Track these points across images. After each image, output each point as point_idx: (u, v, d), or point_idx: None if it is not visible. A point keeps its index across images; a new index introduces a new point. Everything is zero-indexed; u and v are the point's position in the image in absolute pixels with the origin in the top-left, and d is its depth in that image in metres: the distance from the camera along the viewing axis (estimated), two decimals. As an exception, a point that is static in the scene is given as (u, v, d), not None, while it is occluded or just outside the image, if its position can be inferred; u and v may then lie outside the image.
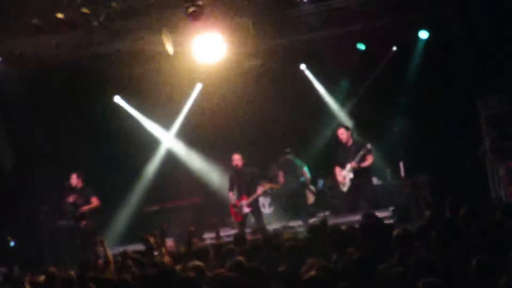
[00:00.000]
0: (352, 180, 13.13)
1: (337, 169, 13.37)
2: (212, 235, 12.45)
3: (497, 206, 12.55)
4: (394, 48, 15.79)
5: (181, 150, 17.07)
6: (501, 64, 13.63)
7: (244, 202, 13.43)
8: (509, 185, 13.25)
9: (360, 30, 14.66)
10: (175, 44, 12.86)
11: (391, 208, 13.32)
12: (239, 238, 9.46)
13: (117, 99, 16.77)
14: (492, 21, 13.44)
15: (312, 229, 8.96)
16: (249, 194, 13.46)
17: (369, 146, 13.04)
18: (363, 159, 13.03)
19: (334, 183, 14.14)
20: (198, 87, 16.86)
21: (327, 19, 14.32)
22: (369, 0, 13.79)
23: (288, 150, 15.11)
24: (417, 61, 15.38)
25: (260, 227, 12.69)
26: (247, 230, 13.26)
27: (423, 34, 15.03)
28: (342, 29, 14.77)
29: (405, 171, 14.00)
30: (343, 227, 8.44)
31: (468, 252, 6.17)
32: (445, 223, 7.57)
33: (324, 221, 9.65)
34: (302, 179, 15.23)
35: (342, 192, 13.40)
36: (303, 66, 16.55)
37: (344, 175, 13.21)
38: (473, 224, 6.84)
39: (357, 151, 13.10)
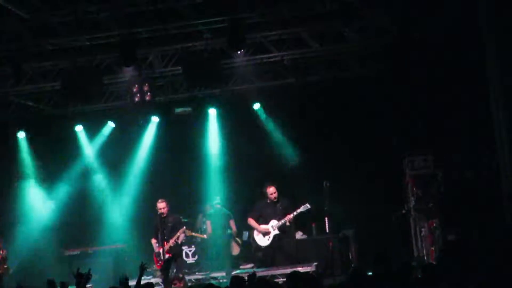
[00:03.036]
0: (276, 236, 13.16)
1: (252, 221, 13.45)
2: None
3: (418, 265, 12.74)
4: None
5: (105, 195, 16.77)
6: (429, 124, 13.92)
7: (165, 248, 13.22)
8: (431, 244, 13.41)
9: (292, 84, 14.87)
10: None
11: (315, 263, 13.32)
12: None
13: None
14: (423, 81, 13.75)
15: (236, 281, 8.85)
16: (169, 241, 13.27)
17: (308, 205, 13.16)
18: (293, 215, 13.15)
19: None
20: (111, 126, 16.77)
21: (260, 72, 14.54)
22: (302, 55, 14.04)
23: (217, 200, 15.11)
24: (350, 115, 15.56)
25: (178, 276, 12.47)
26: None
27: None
28: (275, 83, 14.97)
29: (331, 227, 14.05)
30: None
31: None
32: (367, 280, 7.56)
33: (252, 276, 9.52)
34: (229, 230, 15.22)
35: (258, 245, 13.47)
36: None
37: (268, 229, 13.27)
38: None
39: (285, 210, 13.20)
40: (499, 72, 11.78)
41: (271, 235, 13.29)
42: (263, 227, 13.36)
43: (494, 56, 11.79)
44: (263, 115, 15.97)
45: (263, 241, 13.39)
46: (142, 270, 9.33)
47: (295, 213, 13.25)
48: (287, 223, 13.39)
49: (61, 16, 12.04)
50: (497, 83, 11.82)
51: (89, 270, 8.70)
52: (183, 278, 10.84)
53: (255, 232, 13.55)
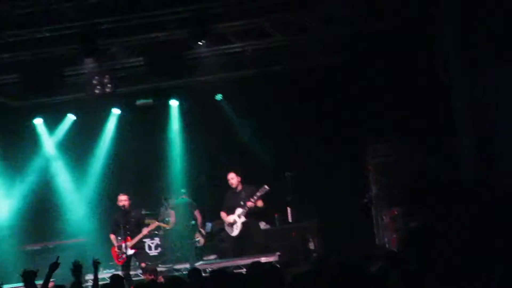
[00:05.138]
0: (243, 224, 13.16)
1: (223, 214, 13.40)
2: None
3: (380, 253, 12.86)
4: None
5: (66, 188, 16.62)
6: (393, 111, 14.05)
7: (128, 243, 13.14)
8: (393, 232, 13.56)
9: (254, 75, 14.89)
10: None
11: (278, 253, 13.38)
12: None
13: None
14: (386, 69, 13.88)
15: (193, 273, 8.88)
16: (133, 236, 13.18)
17: (266, 187, 13.11)
18: (257, 199, 13.12)
19: (222, 226, 14.09)
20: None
21: (223, 63, 14.54)
22: (264, 46, 14.07)
23: (183, 190, 15.06)
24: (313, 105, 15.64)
25: (151, 268, 12.46)
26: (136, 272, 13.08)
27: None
28: (238, 73, 14.98)
29: (293, 216, 14.13)
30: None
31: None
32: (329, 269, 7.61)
33: (193, 271, 9.40)
34: (193, 221, 15.19)
35: (230, 236, 13.41)
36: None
37: (234, 219, 13.24)
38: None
39: (248, 196, 13.16)
40: (460, 62, 12.01)
41: (239, 224, 13.24)
42: (230, 217, 13.33)
43: (452, 42, 12.02)
44: (225, 106, 15.98)
45: (232, 232, 13.36)
46: (96, 266, 9.27)
47: (255, 197, 13.17)
48: (253, 209, 13.27)
49: (21, 8, 11.86)
50: (457, 73, 12.03)
51: (57, 257, 8.61)
52: (155, 270, 10.81)
53: (225, 224, 13.51)
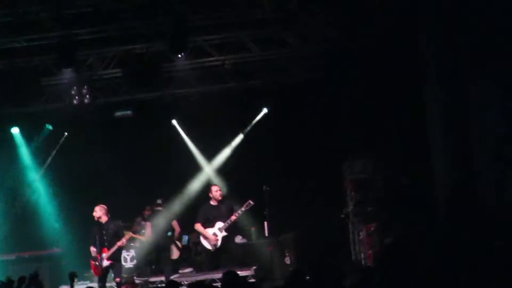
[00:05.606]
0: (224, 238, 13.14)
1: (200, 226, 13.34)
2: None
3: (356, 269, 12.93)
4: (265, 110, 16.06)
5: (43, 198, 16.50)
6: (367, 130, 14.11)
7: (104, 255, 13.04)
8: (369, 248, 13.58)
9: (233, 89, 14.89)
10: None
11: (254, 267, 13.34)
12: None
13: None
14: (362, 86, 13.92)
15: (171, 285, 8.81)
16: (110, 247, 13.09)
17: (251, 202, 13.12)
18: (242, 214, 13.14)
19: (198, 239, 14.03)
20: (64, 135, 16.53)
21: (201, 76, 14.53)
22: (243, 60, 14.09)
23: (159, 201, 15.00)
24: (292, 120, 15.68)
25: (130, 281, 12.38)
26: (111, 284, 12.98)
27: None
28: (216, 87, 14.97)
29: (270, 231, 14.10)
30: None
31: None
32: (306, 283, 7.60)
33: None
34: (169, 233, 15.11)
35: (207, 249, 13.35)
36: (174, 121, 16.53)
37: (214, 232, 13.19)
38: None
39: (230, 210, 13.16)
40: (436, 82, 12.11)
41: (219, 238, 13.19)
42: (209, 230, 13.27)
43: (434, 66, 12.11)
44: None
45: (210, 245, 13.28)
46: (73, 279, 9.19)
47: (240, 211, 13.16)
48: (234, 223, 13.27)
49: (-2, 17, 11.82)
50: (435, 95, 12.15)
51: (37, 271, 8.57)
52: (134, 283, 10.73)
53: (202, 237, 13.43)
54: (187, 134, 16.59)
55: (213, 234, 13.20)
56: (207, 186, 13.90)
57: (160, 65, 13.45)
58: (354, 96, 14.27)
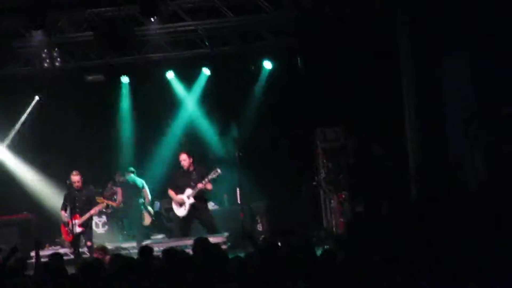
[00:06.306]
0: (192, 205, 13.09)
1: (172, 192, 13.30)
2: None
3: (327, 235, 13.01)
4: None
5: (12, 164, 16.29)
6: (340, 97, 14.07)
7: (77, 221, 12.94)
8: (340, 216, 13.64)
9: (206, 55, 14.76)
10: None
11: (226, 234, 13.35)
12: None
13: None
14: (335, 53, 13.85)
15: (144, 251, 8.75)
16: (82, 214, 12.99)
17: (219, 170, 13.05)
18: (208, 182, 13.07)
19: (170, 206, 14.00)
20: (35, 99, 16.21)
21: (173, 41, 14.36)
22: (216, 25, 13.94)
23: (131, 169, 14.94)
24: (260, 90, 15.60)
25: (102, 248, 12.29)
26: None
27: (267, 64, 15.28)
28: (190, 52, 14.83)
29: (242, 198, 14.09)
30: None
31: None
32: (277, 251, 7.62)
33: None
34: (140, 200, 15.09)
35: (177, 215, 13.33)
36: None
37: (183, 199, 13.15)
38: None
39: (199, 177, 13.09)
40: (410, 49, 12.11)
41: (187, 205, 13.16)
42: (179, 197, 13.24)
43: (407, 34, 12.09)
44: (176, 84, 15.87)
45: (180, 212, 13.26)
46: (38, 246, 9.15)
47: (206, 179, 13.12)
48: (203, 191, 13.23)
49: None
50: (408, 63, 12.15)
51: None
52: (105, 248, 10.65)
53: (173, 203, 13.40)
54: (160, 100, 16.44)
55: (181, 201, 13.19)
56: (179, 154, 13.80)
57: (132, 29, 13.23)
58: (327, 63, 14.18)
